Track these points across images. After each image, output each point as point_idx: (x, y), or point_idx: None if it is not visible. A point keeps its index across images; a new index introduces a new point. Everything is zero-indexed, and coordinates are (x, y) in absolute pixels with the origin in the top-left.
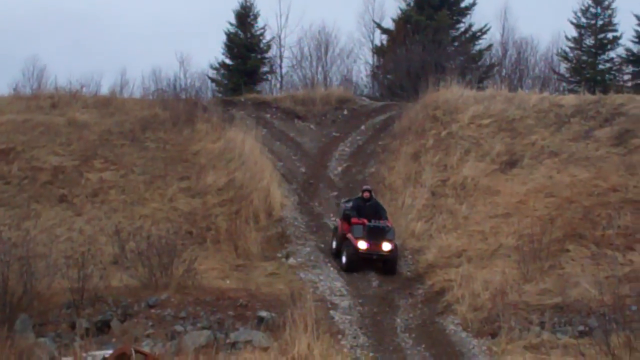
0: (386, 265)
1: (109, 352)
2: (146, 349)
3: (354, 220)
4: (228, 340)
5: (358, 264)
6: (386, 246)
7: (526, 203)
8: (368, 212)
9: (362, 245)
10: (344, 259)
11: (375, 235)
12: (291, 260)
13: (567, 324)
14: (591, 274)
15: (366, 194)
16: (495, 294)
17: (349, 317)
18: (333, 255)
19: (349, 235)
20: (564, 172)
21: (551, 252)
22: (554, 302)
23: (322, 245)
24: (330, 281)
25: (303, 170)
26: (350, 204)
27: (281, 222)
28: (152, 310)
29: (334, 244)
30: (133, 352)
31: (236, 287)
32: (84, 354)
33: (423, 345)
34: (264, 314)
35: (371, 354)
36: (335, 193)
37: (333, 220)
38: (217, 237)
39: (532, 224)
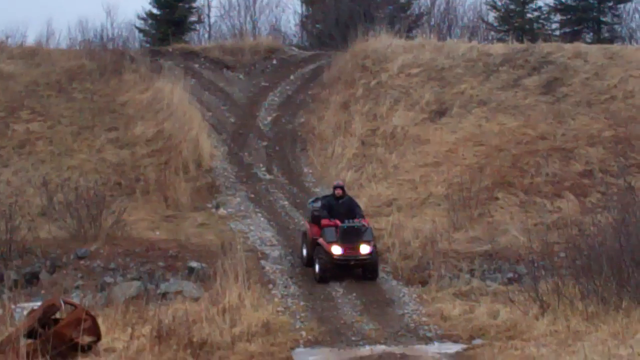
0: (366, 270)
1: (37, 304)
2: (75, 301)
3: (324, 222)
4: (158, 291)
5: (333, 273)
6: (364, 249)
7: (455, 152)
8: (341, 212)
9: (337, 250)
10: (317, 269)
11: (351, 237)
12: (221, 211)
13: (497, 271)
14: (520, 221)
15: (338, 191)
16: (425, 243)
17: (279, 266)
18: (304, 265)
19: (321, 240)
20: (493, 121)
21: (480, 201)
22: (484, 250)
23: (252, 196)
24: (260, 231)
25: (232, 120)
26: (319, 204)
27: (211, 172)
28: (81, 262)
29: (304, 251)
30: (62, 303)
31: (166, 238)
32: (12, 306)
33: (354, 294)
34: (194, 264)
35: (302, 303)
36: (265, 143)
37: (263, 171)
38: (146, 188)
39: (462, 172)
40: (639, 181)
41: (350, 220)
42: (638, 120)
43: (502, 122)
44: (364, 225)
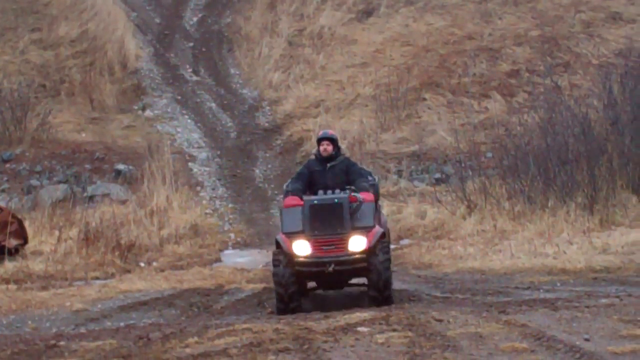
0: (369, 287)
1: None
2: (1, 204)
3: (288, 201)
4: (85, 194)
5: (299, 296)
6: (356, 243)
7: (383, 52)
8: (328, 183)
9: (302, 248)
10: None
11: (328, 221)
12: (148, 113)
13: (424, 171)
14: (447, 121)
15: (325, 147)
16: (354, 144)
17: (207, 169)
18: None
19: (279, 237)
20: (420, 21)
21: (408, 101)
22: (411, 151)
23: (179, 97)
24: (187, 133)
25: (158, 21)
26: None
27: (136, 73)
28: (7, 165)
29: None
30: None
31: (92, 140)
32: None
33: (281, 196)
34: (121, 167)
35: (230, 205)
36: (191, 44)
37: (190, 72)
38: (71, 89)
39: (389, 73)
40: (565, 81)
41: (329, 192)
42: (565, 20)
43: (429, 22)
44: (354, 199)
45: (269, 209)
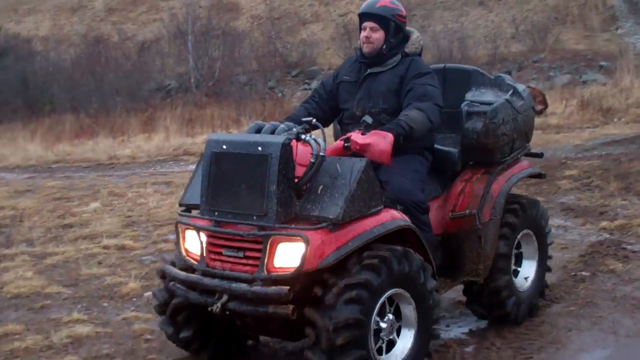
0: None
1: None
2: (533, 85)
3: None
4: (581, 80)
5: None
6: (284, 254)
7: None
8: (357, 107)
9: (191, 244)
10: None
11: (239, 194)
12: (619, 31)
13: None
14: None
15: (367, 34)
16: None
17: None
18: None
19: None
20: None
21: None
22: None
23: (639, 21)
24: None
25: None
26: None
27: (612, 8)
28: (535, 64)
29: None
30: None
31: (585, 49)
32: None
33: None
34: (603, 63)
35: None
36: None
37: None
38: (572, 19)
39: None
40: None
41: (293, 125)
42: None
43: None
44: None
45: None
